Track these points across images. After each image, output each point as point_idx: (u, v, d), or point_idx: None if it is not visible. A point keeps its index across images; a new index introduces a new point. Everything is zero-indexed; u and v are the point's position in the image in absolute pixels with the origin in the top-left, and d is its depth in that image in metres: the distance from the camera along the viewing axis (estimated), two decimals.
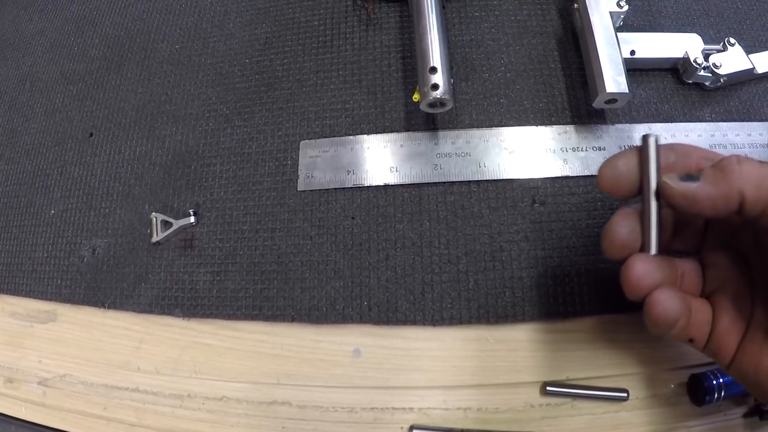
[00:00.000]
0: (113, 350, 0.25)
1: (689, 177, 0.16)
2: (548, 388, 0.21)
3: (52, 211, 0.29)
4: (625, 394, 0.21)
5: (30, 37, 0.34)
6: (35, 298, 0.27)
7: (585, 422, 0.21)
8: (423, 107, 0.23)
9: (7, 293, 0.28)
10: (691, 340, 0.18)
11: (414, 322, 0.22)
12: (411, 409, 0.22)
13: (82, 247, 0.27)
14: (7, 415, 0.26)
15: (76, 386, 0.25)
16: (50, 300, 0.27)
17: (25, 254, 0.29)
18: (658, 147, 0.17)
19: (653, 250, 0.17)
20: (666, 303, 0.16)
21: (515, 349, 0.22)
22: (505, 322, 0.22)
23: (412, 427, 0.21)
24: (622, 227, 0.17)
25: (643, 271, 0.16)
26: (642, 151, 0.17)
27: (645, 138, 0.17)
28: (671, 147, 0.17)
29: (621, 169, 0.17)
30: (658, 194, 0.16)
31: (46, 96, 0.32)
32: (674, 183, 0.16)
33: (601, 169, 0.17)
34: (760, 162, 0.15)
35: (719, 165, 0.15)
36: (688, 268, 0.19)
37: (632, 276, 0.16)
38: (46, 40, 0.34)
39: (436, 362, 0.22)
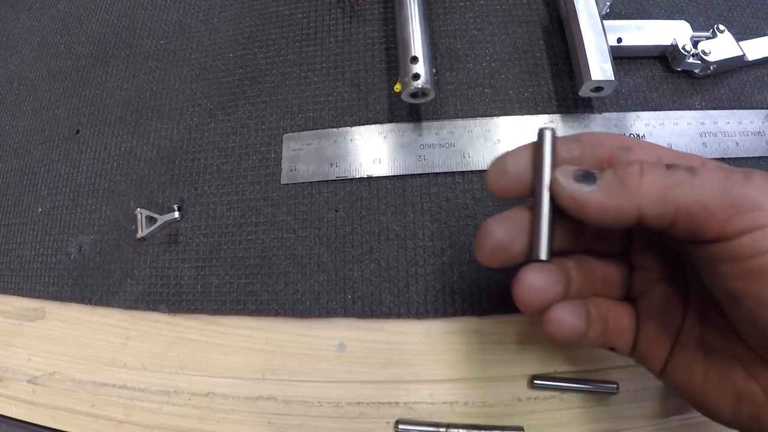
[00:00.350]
0: (101, 347, 0.25)
1: (585, 176, 0.14)
2: (536, 381, 0.21)
3: (40, 209, 0.28)
4: (615, 386, 0.21)
5: (18, 36, 0.34)
6: (23, 296, 0.27)
7: (574, 416, 0.21)
8: (405, 97, 0.22)
9: None
10: (612, 348, 0.17)
11: (398, 315, 0.22)
12: (397, 403, 0.21)
13: (69, 244, 0.27)
14: None
15: (65, 384, 0.25)
16: (38, 297, 0.27)
17: (13, 252, 0.28)
18: (555, 141, 0.15)
19: (543, 255, 0.14)
20: (564, 322, 0.14)
21: (502, 342, 0.22)
22: (491, 315, 0.22)
23: (398, 422, 0.21)
24: (495, 229, 0.15)
25: (537, 284, 0.14)
26: (537, 146, 0.15)
27: (540, 132, 0.15)
28: (577, 138, 0.15)
29: (510, 169, 0.15)
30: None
31: (33, 94, 0.32)
32: (566, 181, 0.14)
33: (490, 168, 0.15)
34: (668, 170, 0.13)
35: (620, 174, 0.13)
36: (610, 270, 0.17)
37: (523, 291, 0.14)
38: (33, 38, 0.34)
39: (422, 356, 0.22)
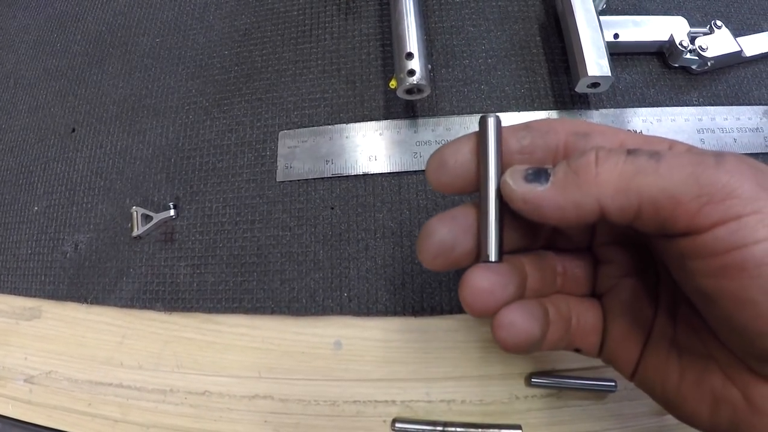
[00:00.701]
0: (97, 346, 0.25)
1: (537, 175, 0.12)
2: (533, 379, 0.21)
3: (35, 208, 0.28)
4: (613, 384, 0.20)
5: (14, 35, 0.34)
6: (20, 295, 0.27)
7: (571, 414, 0.21)
8: (400, 94, 0.22)
9: None
10: (578, 350, 0.16)
11: (395, 313, 0.22)
12: (393, 401, 0.21)
13: (65, 242, 0.27)
14: None
15: (62, 383, 0.25)
16: (35, 296, 0.27)
17: (9, 251, 0.28)
18: (500, 130, 0.13)
19: (493, 256, 0.13)
20: (515, 326, 0.13)
21: None
22: None
23: (394, 420, 0.21)
24: (437, 230, 0.13)
25: (483, 286, 0.13)
26: (479, 137, 0.13)
27: (483, 120, 0.13)
28: (527, 125, 0.13)
29: (449, 161, 0.13)
30: (500, 185, 0.13)
31: (29, 93, 0.31)
32: (515, 183, 0.12)
33: (428, 161, 0.14)
34: (629, 156, 0.11)
35: (574, 165, 0.12)
36: (572, 264, 0.16)
37: (469, 294, 0.13)
38: (29, 37, 0.33)
39: (418, 354, 0.21)
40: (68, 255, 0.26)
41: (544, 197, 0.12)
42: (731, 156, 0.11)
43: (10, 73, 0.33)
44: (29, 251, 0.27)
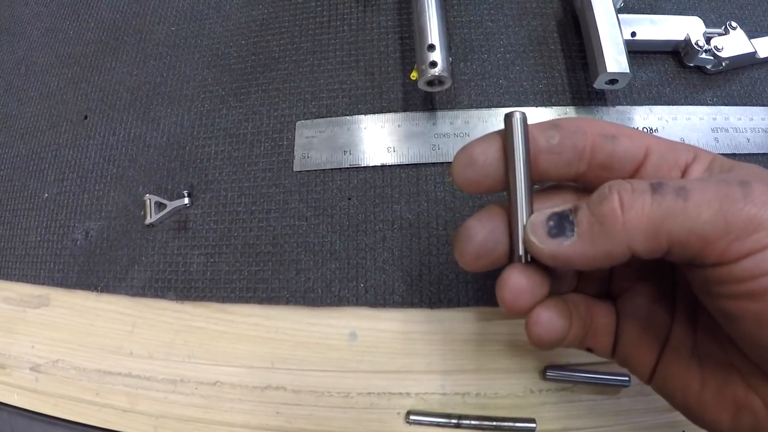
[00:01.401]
0: (106, 335, 0.24)
1: (560, 227, 0.12)
2: (548, 372, 0.20)
3: (46, 195, 0.28)
4: (627, 379, 0.20)
5: (26, 22, 0.33)
6: (28, 282, 0.26)
7: (585, 408, 0.20)
8: (421, 85, 0.22)
9: None
10: (589, 349, 0.16)
11: (411, 305, 0.21)
12: (408, 394, 0.21)
13: (75, 230, 0.26)
14: None
15: (69, 372, 0.24)
16: (43, 284, 0.26)
17: (18, 238, 0.27)
18: (526, 127, 0.13)
19: (524, 256, 0.13)
20: (550, 324, 0.13)
21: (515, 333, 0.21)
22: None
23: (409, 413, 0.20)
24: (478, 231, 0.13)
25: (523, 286, 0.13)
26: (506, 134, 0.13)
27: (507, 117, 0.13)
28: (556, 124, 0.13)
29: (479, 160, 0.13)
30: (529, 184, 0.13)
31: (41, 80, 0.31)
32: (540, 241, 0.12)
33: (455, 159, 0.13)
34: (654, 196, 0.11)
35: (598, 214, 0.11)
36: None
37: (509, 294, 0.13)
38: (41, 24, 0.33)
39: (434, 346, 0.21)
40: (78, 242, 0.26)
41: (574, 252, 0.12)
42: (757, 185, 0.11)
43: (21, 59, 0.32)
44: (38, 238, 0.27)
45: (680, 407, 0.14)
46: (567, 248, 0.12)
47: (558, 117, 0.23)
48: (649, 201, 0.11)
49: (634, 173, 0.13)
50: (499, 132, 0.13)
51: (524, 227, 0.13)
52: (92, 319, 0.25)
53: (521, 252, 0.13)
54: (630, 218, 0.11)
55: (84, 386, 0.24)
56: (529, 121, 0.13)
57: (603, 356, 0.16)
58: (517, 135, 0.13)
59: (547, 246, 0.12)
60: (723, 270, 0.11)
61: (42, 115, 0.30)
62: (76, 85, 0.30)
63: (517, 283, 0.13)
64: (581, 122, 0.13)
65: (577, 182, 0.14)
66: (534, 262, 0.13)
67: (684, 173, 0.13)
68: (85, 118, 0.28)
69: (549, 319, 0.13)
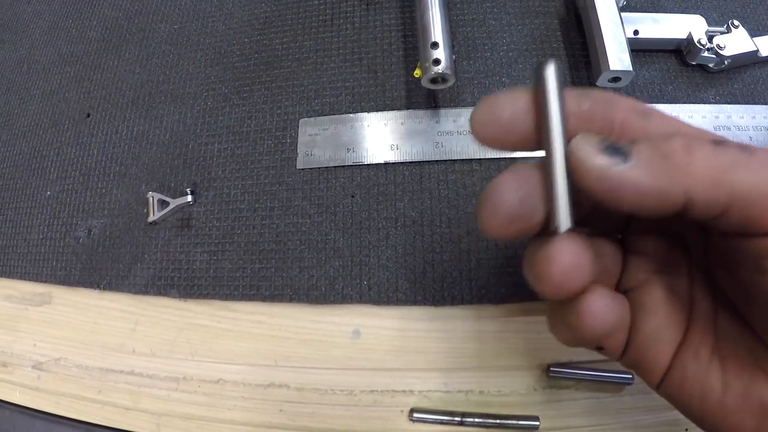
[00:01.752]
0: (108, 333, 0.24)
1: (615, 150, 0.10)
2: (552, 369, 0.20)
3: (48, 193, 0.27)
4: (630, 377, 0.20)
5: (28, 20, 0.33)
6: (30, 280, 0.26)
7: (588, 406, 0.20)
8: (424, 83, 0.22)
9: (1, 276, 0.27)
10: (599, 348, 0.14)
11: (414, 303, 0.21)
12: (411, 391, 0.21)
13: (77, 228, 0.26)
14: (0, 400, 0.25)
15: (71, 370, 0.24)
16: (45, 282, 0.26)
17: (20, 236, 0.27)
18: (561, 79, 0.11)
19: (564, 224, 0.11)
20: (602, 314, 0.11)
21: (519, 331, 0.21)
22: (508, 302, 0.21)
23: (412, 410, 0.20)
24: (510, 193, 0.11)
25: (574, 262, 0.11)
26: (538, 88, 0.11)
27: (540, 67, 0.11)
28: (585, 92, 0.12)
29: (504, 113, 0.11)
30: (566, 144, 0.11)
31: (43, 78, 0.30)
32: (591, 154, 0.10)
33: (475, 111, 0.12)
34: (718, 147, 0.10)
35: (661, 148, 0.10)
36: (603, 252, 0.14)
37: (556, 270, 0.11)
38: (44, 22, 0.32)
39: (437, 343, 0.21)
40: (81, 240, 0.26)
41: (627, 178, 0.10)
42: None
43: (24, 58, 0.32)
44: (41, 236, 0.27)
45: (696, 413, 0.13)
46: (620, 172, 0.10)
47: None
48: (713, 149, 0.10)
49: None
50: (525, 88, 0.12)
51: (566, 190, 0.11)
52: (95, 317, 0.24)
53: (563, 220, 0.11)
54: (696, 160, 0.10)
55: (86, 384, 0.23)
56: None
57: (612, 356, 0.14)
58: (551, 87, 0.11)
59: (596, 162, 0.10)
60: None
61: (44, 113, 0.29)
62: (79, 83, 0.29)
63: (570, 256, 0.11)
64: (613, 96, 0.12)
65: None
66: (575, 235, 0.11)
67: None
68: (88, 116, 0.28)
69: (604, 308, 0.11)
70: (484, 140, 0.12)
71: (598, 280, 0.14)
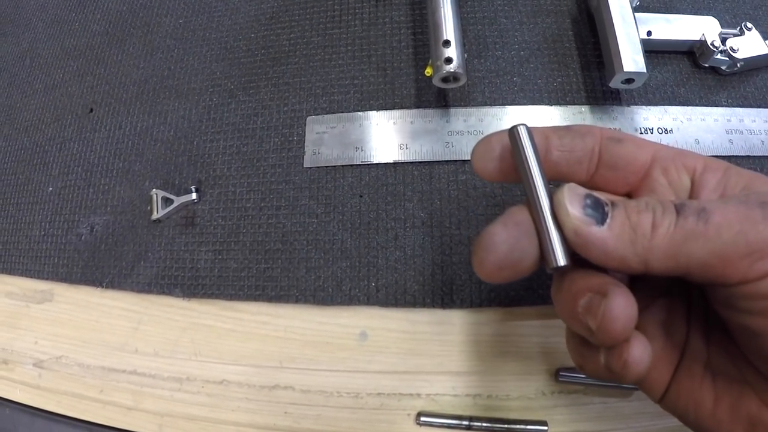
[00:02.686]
0: (111, 331, 0.23)
1: (596, 207, 0.11)
2: (561, 374, 0.19)
3: (50, 189, 0.26)
4: None
5: (30, 13, 0.32)
6: (32, 277, 0.25)
7: (597, 411, 0.20)
8: (435, 82, 0.21)
9: (2, 273, 0.26)
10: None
11: (423, 305, 0.20)
12: (418, 395, 0.20)
13: (80, 224, 0.25)
14: (1, 398, 0.24)
15: (73, 368, 0.23)
16: (47, 279, 0.25)
17: (21, 233, 0.26)
18: (532, 137, 0.13)
19: (563, 260, 0.12)
20: (646, 359, 0.12)
21: (527, 335, 0.20)
22: (517, 306, 0.20)
23: (419, 414, 0.19)
24: (503, 239, 0.12)
25: (630, 314, 0.11)
26: (514, 149, 0.13)
27: (513, 130, 0.13)
28: (567, 126, 0.14)
29: (496, 149, 0.13)
30: (549, 190, 0.12)
31: (45, 72, 0.29)
32: (572, 208, 0.11)
33: (474, 149, 0.14)
34: (678, 218, 0.11)
35: (634, 221, 0.11)
36: (606, 279, 0.15)
37: (618, 326, 0.11)
38: (47, 15, 0.31)
39: (446, 347, 0.20)
40: (83, 237, 0.25)
41: (597, 239, 0.11)
42: None
43: (26, 51, 0.31)
44: (42, 233, 0.26)
45: (692, 425, 0.13)
46: (593, 232, 0.11)
47: (573, 115, 0.23)
48: (673, 222, 0.11)
49: (643, 177, 0.13)
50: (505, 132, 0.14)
51: (556, 230, 0.12)
52: (97, 316, 0.24)
53: (559, 258, 0.12)
54: (656, 236, 0.11)
55: (88, 383, 0.23)
56: (548, 120, 0.14)
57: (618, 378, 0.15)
58: (526, 144, 0.13)
59: (577, 219, 0.11)
60: (747, 287, 0.11)
61: (47, 107, 0.28)
62: (82, 77, 0.28)
63: (626, 309, 0.11)
64: (590, 127, 0.14)
65: (588, 185, 0.14)
66: (615, 281, 0.12)
67: (694, 180, 0.13)
68: (91, 111, 0.27)
69: (644, 353, 0.12)
70: (484, 176, 0.14)
71: None
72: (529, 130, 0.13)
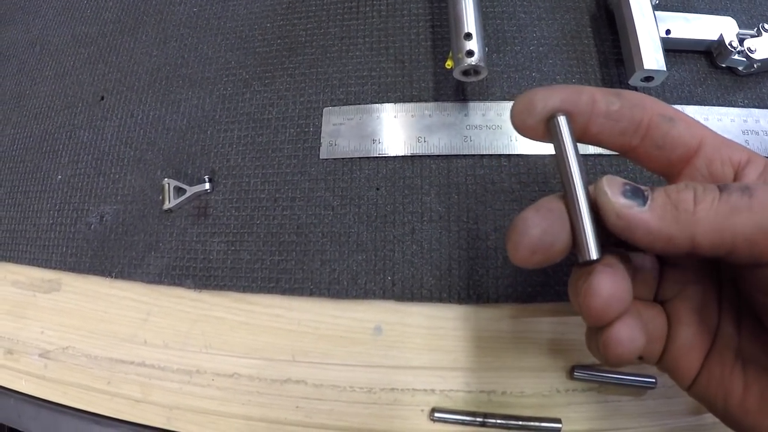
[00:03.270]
0: (119, 322, 0.22)
1: (635, 193, 0.12)
2: (576, 371, 0.19)
3: (59, 177, 0.26)
4: (653, 381, 0.19)
5: (41, 0, 0.31)
6: (39, 266, 0.25)
7: (611, 409, 0.19)
8: (456, 75, 0.20)
9: (9, 261, 0.25)
10: (639, 358, 0.14)
11: (439, 300, 0.20)
12: (433, 390, 0.19)
13: (89, 213, 0.24)
14: (6, 388, 0.23)
15: (79, 359, 0.22)
16: (55, 269, 0.24)
17: (29, 221, 0.26)
18: (572, 128, 0.13)
19: (595, 254, 0.12)
20: (629, 343, 0.12)
21: (543, 331, 0.20)
22: (534, 302, 0.20)
23: (433, 410, 0.19)
24: (536, 223, 0.12)
25: (613, 293, 0.12)
26: (553, 138, 0.13)
27: (552, 119, 0.12)
28: (617, 92, 0.13)
29: (537, 107, 0.13)
30: (587, 183, 0.12)
31: (56, 59, 0.29)
32: (613, 195, 0.11)
33: (515, 104, 0.13)
34: (722, 194, 0.11)
35: (674, 198, 0.11)
36: (644, 265, 0.14)
37: (597, 303, 0.11)
38: (57, 2, 0.31)
39: (461, 342, 0.20)
40: (93, 226, 0.24)
41: (641, 219, 0.11)
42: None
43: (36, 39, 0.30)
44: (51, 221, 0.25)
45: (720, 412, 0.13)
46: (636, 213, 0.11)
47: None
48: (717, 197, 0.11)
49: (687, 161, 0.13)
50: (563, 88, 0.13)
51: (590, 222, 0.12)
52: (105, 306, 0.23)
53: (592, 252, 0.12)
54: (700, 209, 0.11)
55: (95, 374, 0.22)
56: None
57: (650, 363, 0.14)
58: (565, 135, 0.12)
59: (617, 202, 0.11)
60: None
61: (57, 95, 0.28)
62: (93, 65, 0.28)
63: (609, 289, 0.11)
64: (642, 98, 0.13)
65: (626, 155, 0.14)
66: (611, 264, 0.12)
67: (737, 173, 0.13)
68: (102, 99, 0.27)
69: (630, 337, 0.12)
70: (522, 130, 0.13)
71: (638, 292, 0.14)
72: (569, 120, 0.13)
